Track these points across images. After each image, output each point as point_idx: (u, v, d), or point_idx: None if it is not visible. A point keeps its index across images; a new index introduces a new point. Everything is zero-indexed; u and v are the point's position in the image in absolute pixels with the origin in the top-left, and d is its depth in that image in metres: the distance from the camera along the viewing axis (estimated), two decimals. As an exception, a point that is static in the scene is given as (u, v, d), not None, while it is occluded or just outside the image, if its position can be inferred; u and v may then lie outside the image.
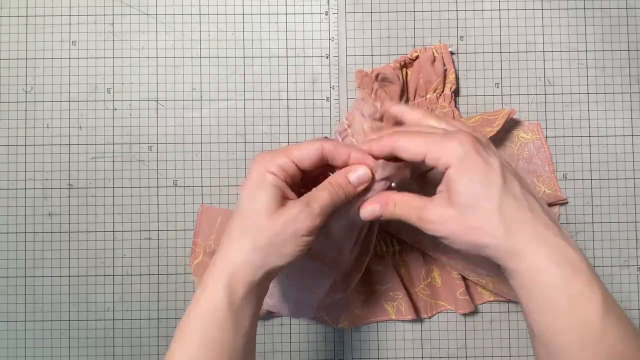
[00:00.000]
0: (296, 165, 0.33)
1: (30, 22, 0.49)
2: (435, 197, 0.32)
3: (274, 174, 0.32)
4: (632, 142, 0.49)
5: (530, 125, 0.48)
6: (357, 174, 0.33)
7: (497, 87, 0.49)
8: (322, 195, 0.32)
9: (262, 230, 0.31)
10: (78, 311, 0.48)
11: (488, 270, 0.47)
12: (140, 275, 0.48)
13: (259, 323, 0.47)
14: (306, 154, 0.33)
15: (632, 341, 0.29)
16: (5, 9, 0.49)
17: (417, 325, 0.48)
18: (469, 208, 0.30)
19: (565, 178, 0.49)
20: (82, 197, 0.48)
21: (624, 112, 0.49)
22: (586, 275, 0.29)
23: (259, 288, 0.33)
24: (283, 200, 0.32)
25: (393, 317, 0.47)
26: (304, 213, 0.31)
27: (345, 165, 0.34)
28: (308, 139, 0.48)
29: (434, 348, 0.48)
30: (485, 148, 0.31)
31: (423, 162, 0.32)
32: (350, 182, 0.33)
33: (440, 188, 0.32)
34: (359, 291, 0.47)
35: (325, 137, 0.35)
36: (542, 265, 0.29)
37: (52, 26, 0.49)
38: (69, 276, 0.48)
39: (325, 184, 0.33)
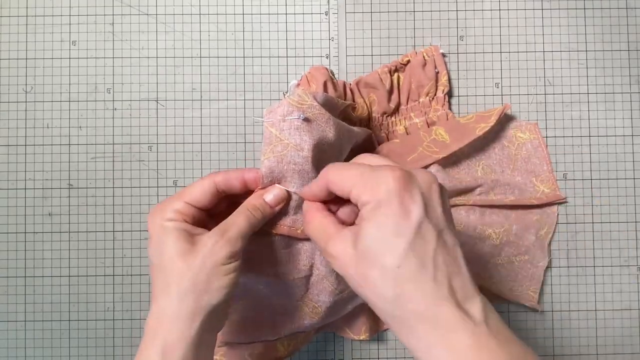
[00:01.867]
0: (193, 206, 0.32)
1: (30, 22, 0.49)
2: (345, 230, 0.28)
3: (172, 219, 0.31)
4: (632, 142, 0.49)
5: (527, 125, 0.48)
6: (272, 193, 0.33)
7: (497, 87, 0.49)
8: (238, 220, 0.31)
9: (182, 274, 0.29)
10: (78, 311, 0.48)
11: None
12: (140, 275, 0.48)
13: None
14: (200, 193, 0.32)
15: None
16: (5, 9, 0.49)
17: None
18: (368, 257, 0.26)
19: (565, 178, 0.49)
20: (82, 197, 0.48)
21: (624, 112, 0.49)
22: None
23: (199, 342, 0.30)
24: (192, 238, 0.31)
25: None
26: (220, 242, 0.30)
27: (245, 188, 0.33)
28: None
29: (434, 348, 0.48)
30: (412, 190, 0.26)
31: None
32: (266, 203, 0.33)
33: (357, 221, 0.28)
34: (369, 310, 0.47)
35: (215, 171, 0.34)
36: (426, 345, 0.25)
37: (52, 26, 0.49)
38: (69, 276, 0.48)
39: (241, 208, 0.32)
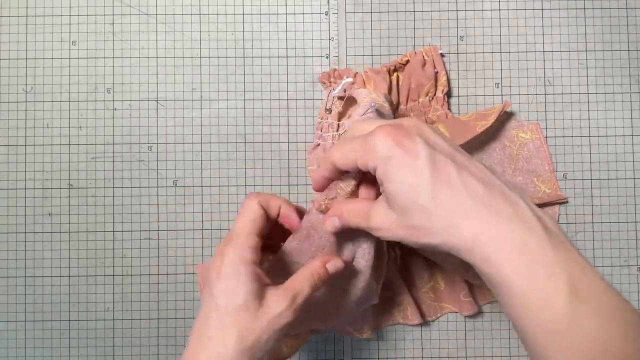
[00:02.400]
0: (260, 238, 0.33)
1: (30, 22, 0.49)
2: (378, 199, 0.31)
3: (248, 263, 0.31)
4: (632, 142, 0.49)
5: (529, 125, 0.48)
6: (334, 264, 0.34)
7: (497, 87, 0.49)
8: (304, 288, 0.32)
9: (249, 331, 0.30)
10: (78, 311, 0.48)
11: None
12: (140, 275, 0.48)
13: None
14: (261, 221, 0.33)
15: (613, 329, 0.25)
16: (5, 9, 0.49)
17: (418, 325, 0.48)
18: (405, 209, 0.28)
19: (565, 178, 0.49)
20: (82, 197, 0.48)
21: (624, 112, 0.49)
22: (547, 264, 0.25)
23: None
24: (262, 291, 0.31)
25: (400, 321, 0.47)
26: (289, 310, 0.31)
27: (275, 220, 0.35)
28: (308, 139, 0.48)
29: (434, 348, 0.48)
30: (408, 136, 0.28)
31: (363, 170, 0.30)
32: (327, 272, 0.33)
33: (380, 189, 0.30)
34: (374, 311, 0.47)
35: (255, 193, 0.35)
36: (493, 259, 0.26)
37: (52, 26, 0.49)
38: (69, 276, 0.48)
39: (307, 273, 0.33)
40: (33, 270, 0.48)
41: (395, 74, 0.47)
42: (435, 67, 0.47)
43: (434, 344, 0.48)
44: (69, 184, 0.48)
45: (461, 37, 0.49)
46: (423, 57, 0.47)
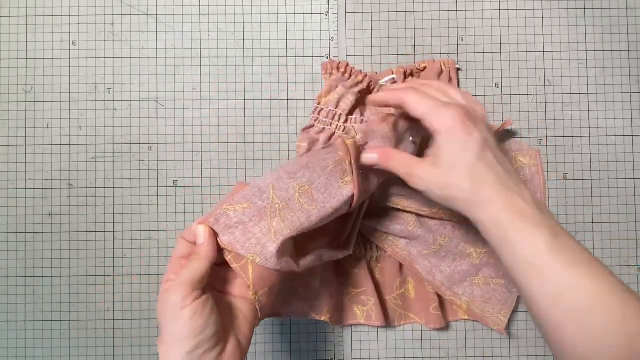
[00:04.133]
0: (200, 274, 0.34)
1: (30, 22, 0.49)
2: (425, 158, 0.37)
3: (195, 297, 0.33)
4: (632, 142, 0.49)
5: (529, 151, 0.48)
6: (199, 235, 0.35)
7: (497, 87, 0.49)
8: (183, 272, 0.33)
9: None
10: (78, 311, 0.48)
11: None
12: (140, 275, 0.48)
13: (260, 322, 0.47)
14: (187, 255, 0.35)
15: (586, 280, 0.32)
16: (5, 9, 0.49)
17: (417, 325, 0.48)
18: (448, 168, 0.35)
19: (565, 178, 0.49)
20: (82, 197, 0.48)
21: (624, 112, 0.49)
22: (532, 218, 0.33)
23: None
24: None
25: (362, 321, 0.47)
26: (171, 291, 0.32)
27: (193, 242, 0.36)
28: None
29: (433, 348, 0.48)
30: (473, 122, 0.35)
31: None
32: (198, 246, 0.35)
33: (428, 152, 0.37)
34: (331, 292, 0.46)
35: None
36: (496, 213, 0.34)
37: (52, 26, 0.49)
38: (69, 276, 0.48)
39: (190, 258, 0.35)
40: (33, 270, 0.48)
41: (410, 78, 0.48)
42: (450, 79, 0.47)
43: (433, 344, 0.48)
44: (69, 184, 0.48)
45: (461, 37, 0.49)
46: (441, 66, 0.47)
